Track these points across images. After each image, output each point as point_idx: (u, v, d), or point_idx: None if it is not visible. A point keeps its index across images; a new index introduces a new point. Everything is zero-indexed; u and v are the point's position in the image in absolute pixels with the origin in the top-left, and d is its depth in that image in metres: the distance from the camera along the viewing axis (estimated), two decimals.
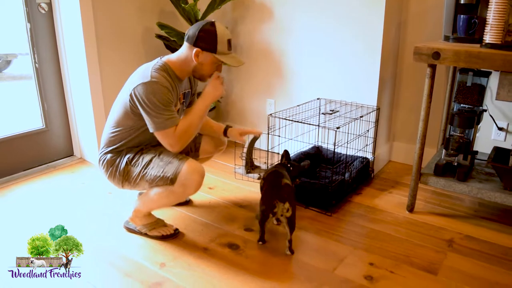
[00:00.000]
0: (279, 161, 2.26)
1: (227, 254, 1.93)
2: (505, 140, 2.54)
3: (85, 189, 2.56)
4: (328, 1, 2.66)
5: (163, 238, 2.03)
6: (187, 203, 2.39)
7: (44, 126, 2.84)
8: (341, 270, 1.83)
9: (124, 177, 1.91)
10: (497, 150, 2.28)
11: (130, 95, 1.83)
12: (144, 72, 1.85)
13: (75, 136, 2.98)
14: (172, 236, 2.05)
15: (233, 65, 1.97)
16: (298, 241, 2.05)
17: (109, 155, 1.94)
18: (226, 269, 1.83)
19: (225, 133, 2.24)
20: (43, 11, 2.65)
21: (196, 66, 1.90)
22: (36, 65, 2.70)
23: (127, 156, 1.92)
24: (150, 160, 1.90)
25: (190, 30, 1.88)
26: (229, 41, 1.89)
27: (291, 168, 2.15)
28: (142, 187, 1.95)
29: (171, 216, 2.24)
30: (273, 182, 1.96)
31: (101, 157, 1.97)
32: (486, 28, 1.97)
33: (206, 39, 1.85)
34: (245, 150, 2.75)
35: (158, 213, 2.13)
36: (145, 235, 2.05)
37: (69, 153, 3.02)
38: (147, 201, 1.99)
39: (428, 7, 2.62)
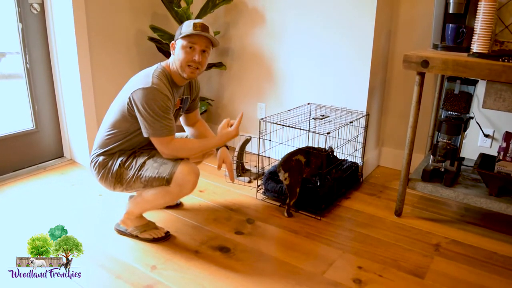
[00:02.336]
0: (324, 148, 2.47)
1: (218, 257, 1.95)
2: (491, 147, 2.59)
3: (75, 190, 2.56)
4: (319, 7, 2.69)
5: (154, 240, 2.04)
6: (177, 206, 2.39)
7: (34, 127, 2.82)
8: (330, 274, 1.86)
9: (117, 180, 1.92)
10: (483, 157, 2.33)
11: (129, 98, 1.84)
12: (145, 77, 1.86)
13: (65, 137, 2.97)
14: (163, 239, 2.05)
15: (195, 33, 1.85)
16: (288, 244, 2.07)
17: (101, 157, 1.94)
18: (216, 272, 1.84)
19: (217, 149, 2.22)
20: (35, 12, 2.65)
21: (175, 60, 1.91)
22: (27, 65, 2.69)
23: (120, 159, 1.93)
24: (144, 162, 1.91)
25: None
26: (196, 24, 1.86)
27: (331, 155, 2.48)
28: (135, 189, 1.95)
29: (162, 218, 2.25)
30: (287, 154, 2.32)
31: (93, 159, 1.97)
32: (473, 37, 2.02)
33: (177, 32, 1.92)
34: (235, 153, 2.77)
35: (149, 216, 2.13)
36: (136, 237, 2.05)
37: (59, 154, 3.00)
38: (141, 202, 2.00)
39: (417, 15, 2.67)
